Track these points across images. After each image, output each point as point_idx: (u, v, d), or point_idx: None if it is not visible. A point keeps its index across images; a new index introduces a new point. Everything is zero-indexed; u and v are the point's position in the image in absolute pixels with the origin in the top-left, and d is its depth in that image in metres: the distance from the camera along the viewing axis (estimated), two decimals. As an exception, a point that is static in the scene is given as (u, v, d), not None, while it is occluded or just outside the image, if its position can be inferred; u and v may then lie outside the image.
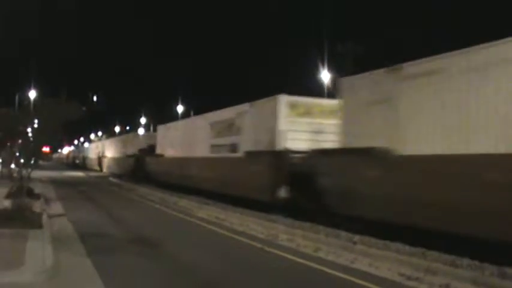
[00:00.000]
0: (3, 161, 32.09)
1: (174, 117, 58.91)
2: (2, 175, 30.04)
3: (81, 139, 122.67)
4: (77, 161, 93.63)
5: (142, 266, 9.94)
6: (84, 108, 19.42)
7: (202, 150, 26.21)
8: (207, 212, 18.96)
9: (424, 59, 12.34)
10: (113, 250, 11.38)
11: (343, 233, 13.11)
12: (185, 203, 22.48)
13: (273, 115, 18.66)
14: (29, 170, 18.37)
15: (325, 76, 34.64)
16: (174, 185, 29.51)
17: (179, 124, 35.32)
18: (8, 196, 17.96)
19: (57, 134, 19.11)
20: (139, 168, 38.52)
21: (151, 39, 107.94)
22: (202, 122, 27.43)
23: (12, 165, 23.59)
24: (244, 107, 21.88)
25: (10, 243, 10.79)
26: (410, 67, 12.62)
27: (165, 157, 33.57)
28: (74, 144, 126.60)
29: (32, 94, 36.89)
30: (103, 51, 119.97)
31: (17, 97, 31.65)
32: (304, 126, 18.02)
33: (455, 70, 11.18)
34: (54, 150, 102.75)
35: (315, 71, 34.97)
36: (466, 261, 9.72)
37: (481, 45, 10.72)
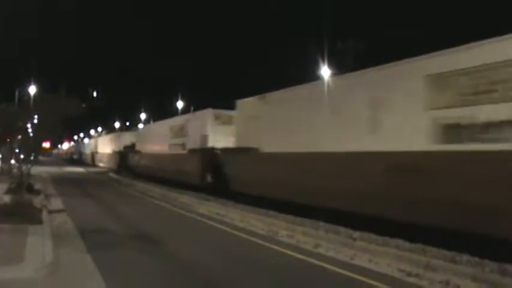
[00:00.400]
0: (3, 156, 32.10)
1: (174, 112, 58.90)
2: (2, 171, 30.05)
3: (81, 135, 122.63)
4: (75, 157, 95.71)
5: (142, 262, 9.95)
6: (83, 104, 19.40)
7: (164, 148, 33.60)
8: (208, 208, 18.97)
9: (276, 92, 18.87)
10: (113, 246, 11.39)
11: (343, 229, 13.13)
12: (186, 198, 22.50)
13: (204, 123, 26.13)
14: (29, 165, 18.36)
15: (325, 73, 34.58)
16: (147, 175, 36.18)
17: (151, 126, 45.09)
18: (8, 192, 17.98)
19: (57, 129, 19.09)
20: (123, 162, 45.95)
21: (151, 37, 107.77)
22: (165, 126, 35.17)
23: (12, 161, 23.60)
24: (189, 116, 31.91)
25: (10, 238, 10.81)
26: (269, 96, 19.21)
27: (142, 153, 40.65)
28: (73, 140, 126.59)
29: (32, 90, 36.80)
30: (103, 48, 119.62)
31: (16, 93, 31.56)
32: (224, 131, 24.32)
33: (295, 98, 17.56)
34: (54, 145, 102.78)
35: (315, 68, 34.90)
36: (465, 257, 9.73)
37: (302, 85, 17.81)
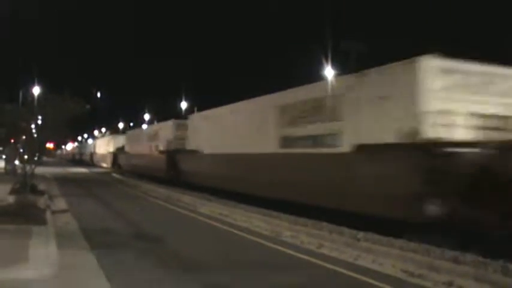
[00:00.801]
0: (7, 157, 32.19)
1: (177, 113, 58.98)
2: (6, 171, 30.14)
3: (85, 135, 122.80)
4: (77, 157, 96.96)
5: (145, 262, 9.96)
6: (87, 105, 19.42)
7: (144, 150, 39.76)
8: (210, 208, 18.98)
9: (210, 110, 27.04)
10: (116, 246, 11.42)
11: (347, 230, 13.11)
12: (188, 199, 22.51)
13: (169, 131, 33.28)
14: (33, 166, 18.40)
15: (329, 73, 34.55)
16: (132, 172, 42.85)
17: (136, 131, 52.01)
18: (12, 192, 18.04)
19: (61, 130, 19.14)
20: (115, 161, 52.95)
21: (153, 38, 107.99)
22: (145, 131, 43.51)
23: (16, 162, 23.67)
24: (161, 124, 39.07)
25: (14, 239, 10.85)
26: (206, 114, 27.51)
27: (129, 153, 47.05)
28: (77, 141, 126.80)
29: (36, 90, 36.86)
30: (106, 49, 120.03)
31: (20, 93, 31.61)
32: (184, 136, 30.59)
33: (224, 114, 24.41)
34: (58, 146, 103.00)
35: (318, 68, 34.86)
36: (469, 257, 9.70)
37: (222, 107, 25.06)
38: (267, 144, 18.75)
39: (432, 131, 11.82)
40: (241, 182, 20.59)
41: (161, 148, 34.59)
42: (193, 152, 27.09)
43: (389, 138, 12.64)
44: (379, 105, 13.25)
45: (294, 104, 17.44)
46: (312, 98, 16.44)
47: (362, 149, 13.55)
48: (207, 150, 25.47)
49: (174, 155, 31.03)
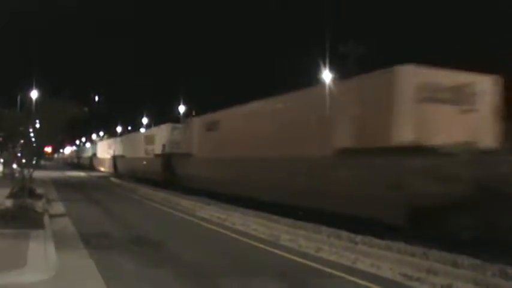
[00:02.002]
0: (5, 161, 32.10)
1: (175, 117, 59.03)
2: (4, 175, 30.06)
3: (83, 139, 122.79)
4: (75, 161, 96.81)
5: (143, 265, 9.95)
6: (85, 109, 19.42)
7: (140, 153, 41.38)
8: (209, 212, 18.97)
9: (199, 117, 29.20)
10: (114, 250, 11.40)
11: (345, 233, 13.12)
12: (187, 203, 22.48)
13: (164, 134, 34.46)
14: (31, 170, 18.38)
15: (327, 76, 34.59)
16: (130, 176, 43.06)
17: (132, 135, 55.52)
18: (10, 196, 17.99)
19: (59, 134, 19.13)
20: (115, 165, 53.62)
21: (152, 40, 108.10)
22: (141, 136, 45.14)
23: (14, 166, 23.62)
24: (156, 128, 41.18)
25: (12, 243, 10.83)
26: (196, 120, 29.22)
27: (126, 158, 48.20)
28: (75, 145, 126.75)
29: (34, 94, 36.85)
30: (104, 52, 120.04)
31: (18, 97, 31.62)
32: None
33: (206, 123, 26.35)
34: (56, 150, 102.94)
35: (316, 71, 34.92)
36: (467, 261, 9.71)
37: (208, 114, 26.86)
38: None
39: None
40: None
41: (157, 151, 35.54)
42: (187, 156, 28.33)
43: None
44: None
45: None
46: None
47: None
48: (199, 153, 26.59)
49: (169, 158, 31.90)
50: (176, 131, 32.84)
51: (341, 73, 31.32)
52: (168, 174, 31.71)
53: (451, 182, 10.69)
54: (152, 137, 38.10)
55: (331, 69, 34.40)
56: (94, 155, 71.89)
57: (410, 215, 11.72)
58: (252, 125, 20.90)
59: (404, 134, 12.48)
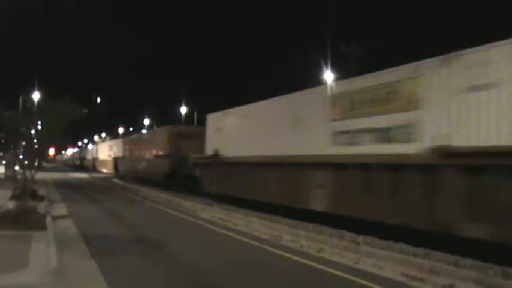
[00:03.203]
0: (7, 163, 32.12)
1: (177, 118, 59.11)
2: (6, 177, 30.09)
3: (85, 141, 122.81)
4: (78, 163, 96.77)
5: (146, 267, 9.96)
6: (87, 110, 19.42)
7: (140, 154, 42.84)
8: (211, 213, 18.97)
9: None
10: (116, 251, 11.41)
11: (347, 234, 13.11)
12: (189, 204, 22.49)
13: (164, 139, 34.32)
14: (33, 171, 18.38)
15: (329, 77, 34.59)
16: (131, 176, 43.76)
17: (132, 137, 54.62)
18: (12, 198, 18.02)
19: (60, 135, 19.13)
20: (116, 166, 55.09)
21: (153, 42, 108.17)
22: (141, 137, 48.15)
23: (16, 167, 23.63)
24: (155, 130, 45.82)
25: (14, 244, 10.84)
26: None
27: (125, 158, 49.57)
28: (77, 146, 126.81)
29: (36, 96, 36.85)
30: (106, 53, 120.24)
31: (20, 99, 31.61)
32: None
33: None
34: (58, 151, 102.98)
35: (318, 72, 34.91)
36: (469, 261, 9.70)
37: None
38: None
39: None
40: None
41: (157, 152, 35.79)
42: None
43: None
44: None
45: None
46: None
47: None
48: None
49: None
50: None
51: (342, 73, 31.28)
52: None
53: None
54: (151, 139, 40.46)
55: (333, 69, 34.39)
56: (97, 156, 72.79)
57: None
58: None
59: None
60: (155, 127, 63.60)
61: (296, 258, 11.06)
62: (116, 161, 54.94)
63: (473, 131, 10.32)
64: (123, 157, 50.45)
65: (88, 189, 34.05)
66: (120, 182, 42.33)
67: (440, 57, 11.39)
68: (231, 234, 14.47)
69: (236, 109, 22.48)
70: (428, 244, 10.94)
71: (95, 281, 8.61)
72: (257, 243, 12.87)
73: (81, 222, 16.15)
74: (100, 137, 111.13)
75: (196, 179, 26.50)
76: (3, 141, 20.14)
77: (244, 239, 13.63)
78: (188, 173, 28.47)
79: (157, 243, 12.69)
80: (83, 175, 58.83)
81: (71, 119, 17.58)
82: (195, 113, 59.49)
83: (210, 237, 14.37)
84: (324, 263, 10.53)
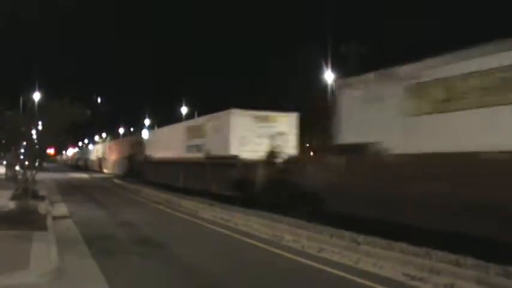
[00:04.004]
0: (8, 163, 32.18)
1: (178, 118, 59.09)
2: (7, 177, 30.13)
3: (86, 141, 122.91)
4: (80, 163, 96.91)
5: (146, 267, 9.97)
6: (88, 111, 19.41)
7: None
8: (212, 213, 18.97)
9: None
10: (117, 251, 11.43)
11: (348, 234, 13.09)
12: (189, 204, 22.49)
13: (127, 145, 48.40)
14: (34, 172, 18.41)
15: (329, 76, 34.62)
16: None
17: (116, 141, 65.27)
18: (13, 198, 18.04)
19: (61, 135, 19.13)
20: (100, 165, 66.70)
21: (152, 40, 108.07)
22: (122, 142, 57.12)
23: (17, 168, 23.69)
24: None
25: (15, 244, 10.84)
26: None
27: (106, 158, 62.86)
28: (78, 146, 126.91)
29: (37, 96, 36.96)
30: (107, 53, 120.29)
31: (21, 99, 31.70)
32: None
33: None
34: (58, 152, 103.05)
35: (318, 71, 34.95)
36: (470, 260, 9.68)
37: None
38: None
39: None
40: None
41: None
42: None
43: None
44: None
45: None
46: None
47: None
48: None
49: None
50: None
51: (342, 73, 31.30)
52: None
53: None
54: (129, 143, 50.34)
55: (333, 69, 34.43)
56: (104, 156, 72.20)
57: None
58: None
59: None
60: (156, 127, 63.76)
61: (297, 258, 11.06)
62: (99, 160, 68.74)
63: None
64: (104, 158, 65.16)
65: (89, 189, 34.07)
66: (121, 182, 42.37)
67: None
68: (232, 234, 14.48)
69: (157, 129, 34.37)
70: (429, 244, 10.93)
71: (96, 281, 8.62)
72: (258, 243, 12.87)
73: (81, 222, 16.17)
74: (101, 137, 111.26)
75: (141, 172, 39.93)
76: (4, 141, 20.16)
77: (245, 239, 13.63)
78: (137, 169, 41.67)
79: (158, 243, 12.69)
80: (84, 175, 58.83)
81: (72, 120, 17.59)
82: (196, 113, 59.54)
83: (211, 237, 14.37)
84: (324, 262, 10.53)
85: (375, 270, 9.84)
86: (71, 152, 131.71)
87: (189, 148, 28.04)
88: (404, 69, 12.72)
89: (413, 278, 9.09)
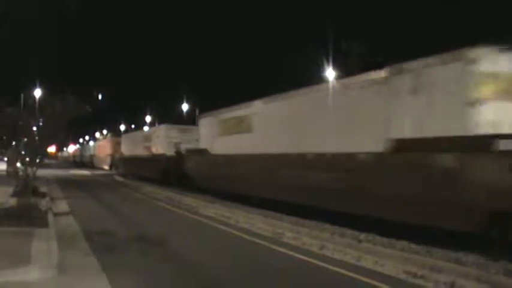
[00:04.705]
0: (8, 159, 32.16)
1: (179, 115, 59.17)
2: (8, 174, 30.12)
3: (87, 137, 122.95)
4: (80, 159, 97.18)
5: (147, 263, 9.97)
6: (89, 108, 19.37)
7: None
8: (213, 210, 18.97)
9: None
10: (118, 248, 11.41)
11: (349, 231, 13.11)
12: (190, 201, 22.51)
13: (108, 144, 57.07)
14: (35, 168, 18.39)
15: (330, 74, 34.61)
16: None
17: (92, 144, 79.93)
18: (14, 195, 18.02)
19: (62, 132, 19.10)
20: (92, 161, 73.60)
21: (153, 41, 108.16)
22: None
23: (18, 164, 23.68)
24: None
25: (16, 241, 10.85)
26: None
27: (96, 155, 72.07)
28: (79, 143, 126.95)
29: (37, 93, 36.89)
30: (107, 50, 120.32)
31: (22, 96, 31.61)
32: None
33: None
34: (59, 148, 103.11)
35: (320, 69, 34.94)
36: (471, 259, 9.70)
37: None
38: None
39: None
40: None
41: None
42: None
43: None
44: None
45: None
46: None
47: None
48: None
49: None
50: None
51: (343, 71, 31.30)
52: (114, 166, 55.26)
53: None
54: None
55: (334, 67, 34.40)
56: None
57: None
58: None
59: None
60: (156, 124, 63.84)
61: (298, 255, 11.05)
62: (91, 157, 77.74)
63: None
64: (95, 155, 74.33)
65: (89, 186, 34.07)
66: (121, 179, 42.41)
67: None
68: (232, 231, 14.47)
69: (127, 134, 38.14)
70: (430, 242, 10.95)
71: (97, 278, 8.62)
72: (259, 241, 12.86)
73: (82, 218, 16.18)
74: (101, 133, 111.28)
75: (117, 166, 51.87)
76: (4, 137, 20.12)
77: (246, 236, 13.62)
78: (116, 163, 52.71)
79: (159, 240, 12.68)
80: (85, 172, 58.86)
81: (73, 117, 17.56)
82: (197, 111, 59.57)
83: (212, 234, 14.36)
84: (326, 260, 10.52)
85: (376, 268, 9.82)
86: (72, 148, 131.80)
87: (144, 149, 39.53)
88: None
89: (414, 275, 9.08)
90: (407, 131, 11.79)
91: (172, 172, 31.45)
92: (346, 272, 9.48)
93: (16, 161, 21.49)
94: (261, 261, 10.65)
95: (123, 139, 53.13)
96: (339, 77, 29.62)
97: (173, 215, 18.63)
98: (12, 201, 16.05)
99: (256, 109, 20.10)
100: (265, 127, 19.24)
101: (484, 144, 9.69)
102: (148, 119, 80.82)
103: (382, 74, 12.96)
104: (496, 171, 9.41)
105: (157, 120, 70.37)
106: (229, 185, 21.97)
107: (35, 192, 19.31)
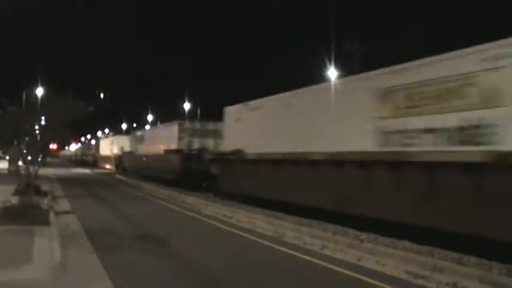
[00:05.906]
0: (10, 158, 32.23)
1: (181, 114, 59.20)
2: (10, 172, 30.17)
3: (88, 136, 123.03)
4: (89, 158, 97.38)
5: (148, 262, 9.97)
6: (91, 107, 19.39)
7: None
8: (214, 210, 18.97)
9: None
10: (119, 247, 11.41)
11: (350, 231, 13.10)
12: (192, 200, 22.51)
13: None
14: (36, 167, 18.41)
15: (332, 73, 34.57)
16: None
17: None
18: (16, 193, 18.04)
19: (64, 131, 19.11)
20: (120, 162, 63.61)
21: (152, 39, 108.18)
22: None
23: (20, 163, 23.73)
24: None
25: (18, 240, 10.85)
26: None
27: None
28: (81, 142, 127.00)
29: (39, 92, 36.91)
30: (110, 49, 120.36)
31: (24, 94, 31.65)
32: None
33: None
34: (61, 147, 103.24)
35: (322, 68, 34.90)
36: (473, 259, 9.68)
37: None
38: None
39: None
40: None
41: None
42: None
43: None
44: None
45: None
46: None
47: None
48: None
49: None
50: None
51: (346, 71, 31.27)
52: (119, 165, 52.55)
53: None
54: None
55: (336, 66, 34.36)
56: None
57: None
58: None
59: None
60: (158, 123, 63.91)
61: (300, 255, 11.04)
62: (94, 156, 77.83)
63: None
64: (98, 153, 74.14)
65: (91, 184, 34.07)
66: (123, 178, 42.42)
67: None
68: (234, 230, 14.47)
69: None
70: (431, 242, 10.92)
71: (98, 276, 8.62)
72: (261, 240, 12.86)
73: (84, 217, 16.16)
74: (103, 132, 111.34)
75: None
76: (6, 136, 20.15)
77: (247, 235, 13.62)
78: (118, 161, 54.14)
79: (160, 239, 12.68)
80: (86, 171, 58.90)
81: (75, 116, 17.59)
82: (198, 110, 59.65)
83: (214, 233, 14.36)
84: (327, 260, 10.51)
85: (377, 267, 9.81)
86: (73, 147, 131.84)
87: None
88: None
89: (416, 276, 9.07)
90: None
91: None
92: (347, 272, 9.47)
93: (18, 160, 21.52)
94: (263, 260, 10.64)
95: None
96: (340, 77, 29.57)
97: (175, 214, 18.62)
98: (14, 200, 16.06)
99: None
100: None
101: None
102: (150, 117, 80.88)
103: None
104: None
105: (159, 119, 70.43)
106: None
107: (37, 191, 19.33)
